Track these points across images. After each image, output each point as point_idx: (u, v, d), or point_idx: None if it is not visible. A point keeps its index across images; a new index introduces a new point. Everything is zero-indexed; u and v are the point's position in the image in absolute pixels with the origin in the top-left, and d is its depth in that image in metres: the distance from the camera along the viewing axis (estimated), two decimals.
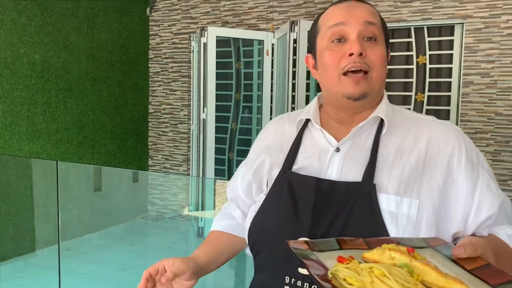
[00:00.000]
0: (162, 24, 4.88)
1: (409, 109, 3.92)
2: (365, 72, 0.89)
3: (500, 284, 0.64)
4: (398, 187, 0.86)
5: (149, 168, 5.10)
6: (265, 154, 1.02)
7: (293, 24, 3.64)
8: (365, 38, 0.90)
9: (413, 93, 3.99)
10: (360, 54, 0.88)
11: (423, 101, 3.95)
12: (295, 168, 0.95)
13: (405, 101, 4.02)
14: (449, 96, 3.85)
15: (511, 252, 0.86)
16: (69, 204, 4.20)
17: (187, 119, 4.83)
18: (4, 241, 3.65)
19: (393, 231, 0.84)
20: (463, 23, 3.66)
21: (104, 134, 4.53)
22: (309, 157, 0.96)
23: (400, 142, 0.91)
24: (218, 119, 4.24)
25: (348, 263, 0.68)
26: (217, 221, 1.13)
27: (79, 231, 4.22)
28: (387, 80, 4.10)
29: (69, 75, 4.12)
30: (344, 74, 0.90)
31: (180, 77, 4.82)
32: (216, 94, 4.13)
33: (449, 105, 3.85)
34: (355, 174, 0.89)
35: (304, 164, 0.95)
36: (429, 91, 3.94)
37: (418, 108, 3.96)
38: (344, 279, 0.64)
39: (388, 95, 3.54)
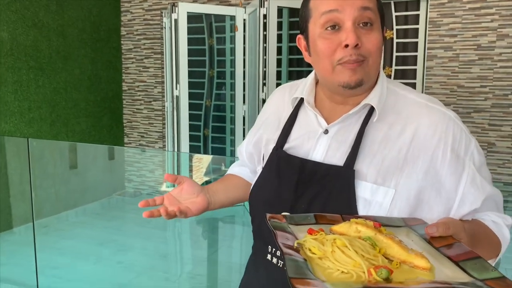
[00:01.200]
0: (134, 0, 4.85)
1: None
2: (361, 61, 0.87)
3: (462, 260, 0.67)
4: (377, 176, 0.87)
5: (125, 145, 5.14)
6: (263, 128, 1.08)
7: None
8: (361, 24, 0.87)
9: (381, 67, 4.09)
10: (356, 45, 0.85)
11: (390, 75, 4.07)
12: (286, 146, 0.99)
13: None
14: (415, 69, 3.97)
15: (494, 238, 0.88)
16: (45, 182, 4.24)
17: (161, 96, 4.86)
18: None
19: None
20: None
21: (77, 112, 4.54)
22: (300, 136, 0.98)
23: (387, 130, 0.91)
24: (192, 96, 4.29)
25: (316, 235, 0.72)
26: (230, 168, 1.25)
27: (56, 209, 4.27)
28: None
29: (39, 53, 4.09)
30: (339, 64, 0.89)
31: (153, 54, 4.83)
32: (190, 71, 4.16)
33: (415, 78, 3.98)
34: (338, 158, 0.91)
35: (295, 144, 0.98)
36: (396, 65, 4.05)
37: None
38: (309, 249, 0.68)
39: None
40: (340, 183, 0.88)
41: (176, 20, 3.99)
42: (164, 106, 4.85)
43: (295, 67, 4.26)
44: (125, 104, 5.06)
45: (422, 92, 3.73)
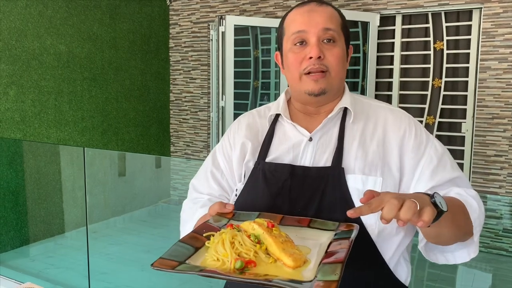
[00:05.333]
0: (182, 14, 4.98)
1: (426, 95, 3.87)
2: (324, 71, 1.00)
3: (324, 263, 0.76)
4: (363, 167, 0.98)
5: (171, 154, 5.25)
6: (240, 150, 1.10)
7: None
8: (324, 41, 1.01)
9: (430, 79, 3.99)
10: (319, 57, 0.99)
11: (440, 87, 3.96)
12: (269, 159, 1.06)
13: (422, 86, 4.03)
14: (467, 81, 3.84)
15: (461, 204, 0.93)
16: (95, 188, 4.40)
17: (207, 107, 4.95)
18: (35, 223, 3.87)
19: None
20: (481, 7, 3.63)
21: (127, 121, 4.70)
22: (283, 149, 1.06)
23: (362, 128, 1.04)
24: (237, 107, 4.34)
25: (228, 229, 0.84)
26: (190, 205, 1.17)
27: (105, 215, 4.42)
28: (405, 66, 4.06)
29: (93, 64, 4.27)
30: (305, 73, 1.02)
31: (199, 66, 4.93)
32: (235, 82, 4.21)
33: (466, 90, 3.85)
34: (326, 160, 1.01)
35: (278, 155, 1.05)
36: (446, 76, 3.93)
37: (435, 94, 3.97)
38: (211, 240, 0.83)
39: (406, 81, 3.68)
40: (332, 181, 0.97)
41: (223, 33, 4.06)
42: (209, 116, 4.93)
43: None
44: (172, 114, 5.18)
45: (474, 104, 3.58)
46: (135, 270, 3.49)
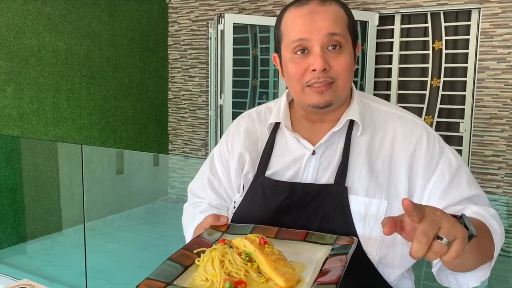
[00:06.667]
0: (181, 11, 4.97)
1: (425, 94, 3.80)
2: (330, 83, 0.90)
3: (318, 284, 0.71)
4: (367, 188, 0.90)
5: (169, 152, 5.25)
6: (238, 160, 1.04)
7: None
8: (330, 47, 0.89)
9: (429, 79, 4.00)
10: (324, 69, 0.88)
11: (438, 87, 3.96)
12: (268, 173, 0.98)
13: (421, 86, 4.03)
14: (465, 81, 3.85)
15: (485, 228, 0.84)
16: (93, 186, 4.39)
17: (205, 105, 4.94)
18: (33, 220, 3.86)
19: (361, 231, 0.89)
20: (480, 7, 3.64)
21: (125, 119, 4.69)
22: (284, 162, 0.98)
23: (369, 141, 0.94)
24: (235, 105, 4.33)
25: (221, 245, 0.81)
26: (190, 210, 1.14)
27: (102, 212, 4.41)
28: (404, 65, 4.05)
29: (91, 62, 4.26)
30: (308, 86, 0.91)
31: (198, 64, 4.92)
32: (234, 80, 4.20)
33: (464, 90, 3.85)
34: (329, 177, 0.93)
35: (278, 169, 0.98)
36: (444, 76, 3.94)
37: (433, 94, 3.97)
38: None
39: (404, 81, 3.66)
40: (333, 201, 0.90)
41: (222, 31, 4.05)
42: (208, 114, 4.92)
43: None
44: (171, 112, 5.18)
45: (473, 104, 3.58)
46: (132, 268, 3.49)
